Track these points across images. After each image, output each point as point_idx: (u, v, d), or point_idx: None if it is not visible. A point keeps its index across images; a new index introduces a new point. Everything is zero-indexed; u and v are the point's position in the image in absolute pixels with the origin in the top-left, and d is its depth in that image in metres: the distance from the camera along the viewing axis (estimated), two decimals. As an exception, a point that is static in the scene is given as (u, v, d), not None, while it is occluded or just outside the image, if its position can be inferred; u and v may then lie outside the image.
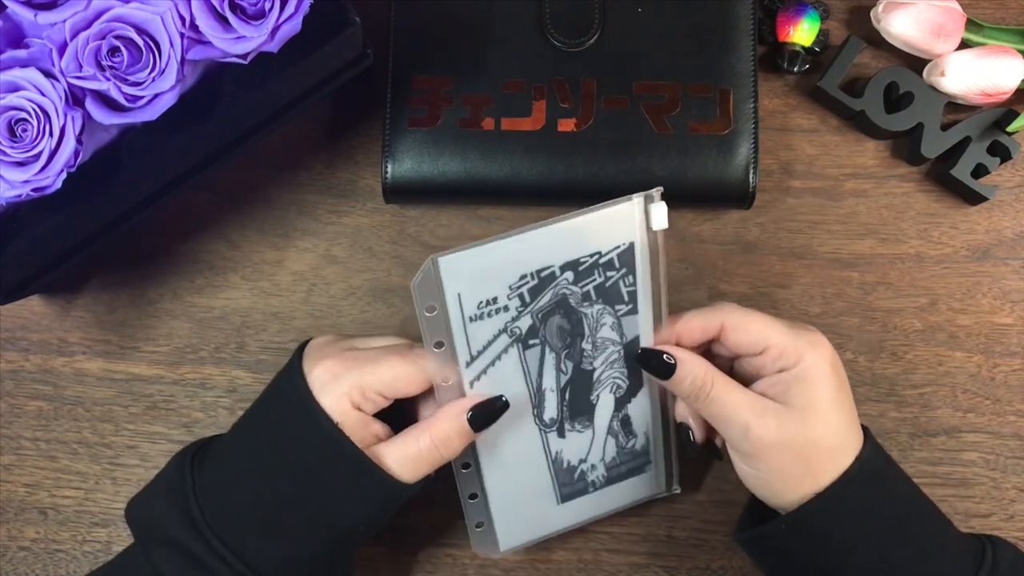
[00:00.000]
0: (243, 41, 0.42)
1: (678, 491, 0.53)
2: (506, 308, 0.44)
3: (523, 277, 0.43)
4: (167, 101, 0.42)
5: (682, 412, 0.49)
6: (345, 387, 0.43)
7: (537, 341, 0.45)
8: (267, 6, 0.42)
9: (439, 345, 0.43)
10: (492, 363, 0.44)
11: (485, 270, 0.43)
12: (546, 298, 0.44)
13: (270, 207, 0.58)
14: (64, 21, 0.40)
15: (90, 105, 0.42)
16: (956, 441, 0.56)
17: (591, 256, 0.44)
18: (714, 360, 0.47)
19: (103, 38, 0.41)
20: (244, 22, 0.42)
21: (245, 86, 0.46)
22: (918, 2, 0.55)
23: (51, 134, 0.41)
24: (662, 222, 0.44)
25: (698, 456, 0.49)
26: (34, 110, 0.41)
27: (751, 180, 0.54)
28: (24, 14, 0.40)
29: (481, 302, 0.43)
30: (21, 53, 0.42)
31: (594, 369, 0.47)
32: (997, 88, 0.55)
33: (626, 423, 0.49)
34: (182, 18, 0.41)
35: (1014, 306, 0.57)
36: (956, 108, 0.57)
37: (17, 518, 0.55)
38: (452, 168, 0.54)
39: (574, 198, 0.56)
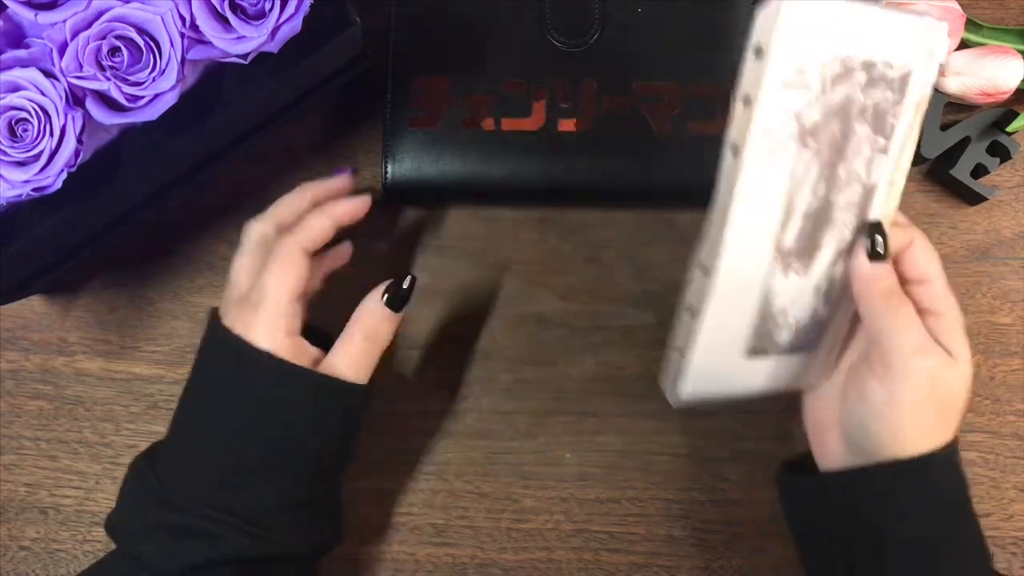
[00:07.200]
0: (243, 41, 0.42)
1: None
2: (808, 87, 0.40)
3: (835, 58, 0.40)
4: (167, 101, 0.42)
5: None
6: (267, 316, 0.43)
7: (813, 145, 0.41)
8: (267, 6, 0.42)
9: (747, 101, 0.39)
10: (773, 151, 0.40)
11: (818, 31, 0.39)
12: (839, 94, 0.40)
13: (270, 207, 0.58)
14: (64, 21, 0.40)
15: (90, 105, 0.42)
16: (956, 441, 0.56)
17: (882, 64, 0.41)
18: None
19: (103, 38, 0.41)
20: (244, 22, 0.42)
21: (245, 86, 0.46)
22: (918, 2, 0.55)
23: (51, 134, 0.41)
24: (943, 55, 0.42)
25: None
26: (34, 110, 0.41)
27: (751, 180, 0.54)
28: (24, 14, 0.40)
29: (798, 69, 0.39)
30: (21, 53, 0.42)
31: (834, 204, 0.43)
32: (997, 88, 0.55)
33: (829, 287, 0.45)
34: (182, 18, 0.41)
35: (1014, 306, 0.57)
36: (956, 108, 0.57)
37: (17, 518, 0.55)
38: (452, 168, 0.54)
39: (574, 199, 0.56)
